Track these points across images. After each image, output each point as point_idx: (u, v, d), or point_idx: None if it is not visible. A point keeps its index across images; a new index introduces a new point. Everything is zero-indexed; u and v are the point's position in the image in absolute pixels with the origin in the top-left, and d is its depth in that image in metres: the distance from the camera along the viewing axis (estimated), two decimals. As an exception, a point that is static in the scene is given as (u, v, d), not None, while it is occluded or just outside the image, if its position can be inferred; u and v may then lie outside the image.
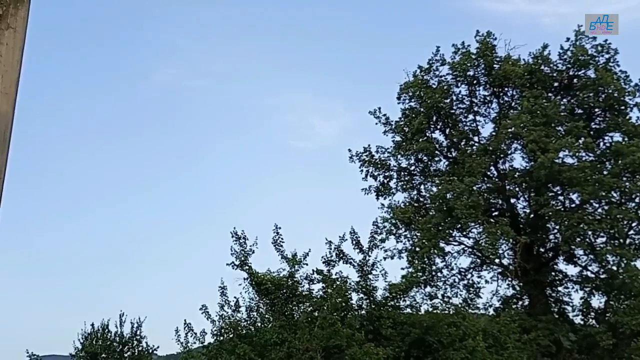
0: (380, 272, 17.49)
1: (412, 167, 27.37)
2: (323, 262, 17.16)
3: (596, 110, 25.30)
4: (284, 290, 16.18)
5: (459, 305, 22.81)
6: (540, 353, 21.57)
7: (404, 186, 27.17)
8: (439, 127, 26.93)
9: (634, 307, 21.43)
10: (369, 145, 27.21)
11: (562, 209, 24.12)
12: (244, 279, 16.37)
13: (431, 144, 26.43)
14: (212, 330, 16.04)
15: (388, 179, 27.16)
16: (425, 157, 26.99)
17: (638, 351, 20.71)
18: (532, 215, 25.24)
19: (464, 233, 25.73)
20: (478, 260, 26.30)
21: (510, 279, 25.44)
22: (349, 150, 27.24)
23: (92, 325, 24.91)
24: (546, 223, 24.88)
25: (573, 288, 25.26)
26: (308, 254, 16.68)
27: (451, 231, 25.41)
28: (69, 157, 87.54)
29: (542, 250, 25.72)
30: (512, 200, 25.90)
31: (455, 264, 26.13)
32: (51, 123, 77.97)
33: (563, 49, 25.37)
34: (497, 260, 25.39)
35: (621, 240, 23.28)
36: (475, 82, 26.30)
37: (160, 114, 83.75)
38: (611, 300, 23.53)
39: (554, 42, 25.99)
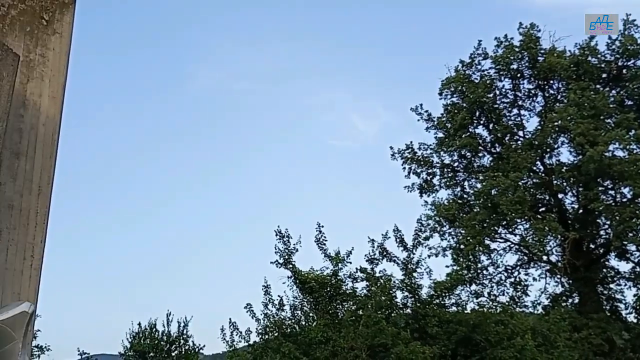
0: (424, 270, 17.37)
1: (456, 164, 27.03)
2: (366, 261, 17.14)
3: (647, 101, 24.51)
4: (328, 289, 16.19)
5: (506, 304, 22.45)
6: (592, 352, 20.98)
7: (448, 183, 26.86)
8: (482, 122, 26.53)
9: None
10: (411, 142, 27.03)
11: (613, 204, 23.41)
12: (288, 277, 16.47)
13: (474, 140, 26.08)
14: (257, 328, 16.17)
15: (431, 176, 26.91)
16: (468, 153, 26.61)
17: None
18: (581, 211, 24.58)
19: (510, 230, 25.27)
20: (525, 258, 25.78)
21: (559, 276, 24.84)
22: (391, 147, 27.09)
23: (139, 324, 25.54)
24: (596, 218, 24.18)
25: (626, 285, 24.49)
26: (351, 252, 16.66)
27: (496, 228, 25.03)
28: (118, 161, 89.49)
29: (592, 246, 25.03)
30: (560, 196, 25.28)
31: (502, 261, 25.72)
32: (101, 125, 79.86)
33: (611, 38, 24.58)
34: (544, 257, 24.83)
35: (676, 235, 22.48)
36: (519, 75, 25.80)
37: (203, 117, 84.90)
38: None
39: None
